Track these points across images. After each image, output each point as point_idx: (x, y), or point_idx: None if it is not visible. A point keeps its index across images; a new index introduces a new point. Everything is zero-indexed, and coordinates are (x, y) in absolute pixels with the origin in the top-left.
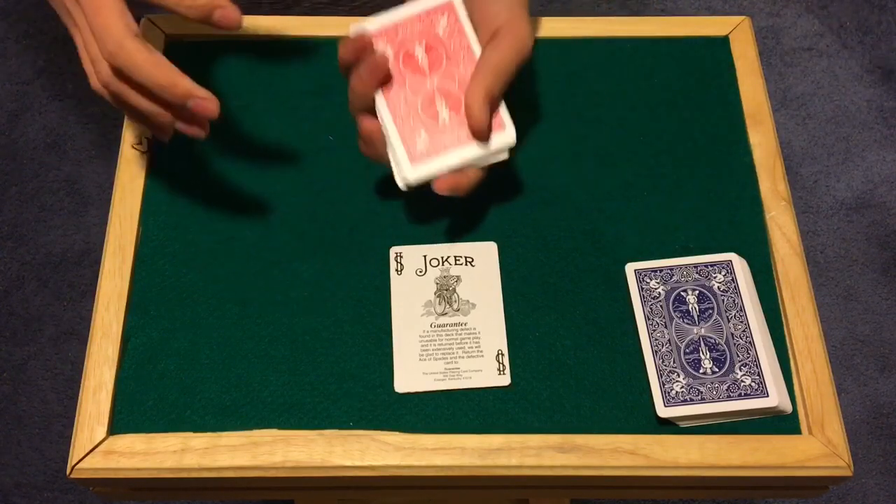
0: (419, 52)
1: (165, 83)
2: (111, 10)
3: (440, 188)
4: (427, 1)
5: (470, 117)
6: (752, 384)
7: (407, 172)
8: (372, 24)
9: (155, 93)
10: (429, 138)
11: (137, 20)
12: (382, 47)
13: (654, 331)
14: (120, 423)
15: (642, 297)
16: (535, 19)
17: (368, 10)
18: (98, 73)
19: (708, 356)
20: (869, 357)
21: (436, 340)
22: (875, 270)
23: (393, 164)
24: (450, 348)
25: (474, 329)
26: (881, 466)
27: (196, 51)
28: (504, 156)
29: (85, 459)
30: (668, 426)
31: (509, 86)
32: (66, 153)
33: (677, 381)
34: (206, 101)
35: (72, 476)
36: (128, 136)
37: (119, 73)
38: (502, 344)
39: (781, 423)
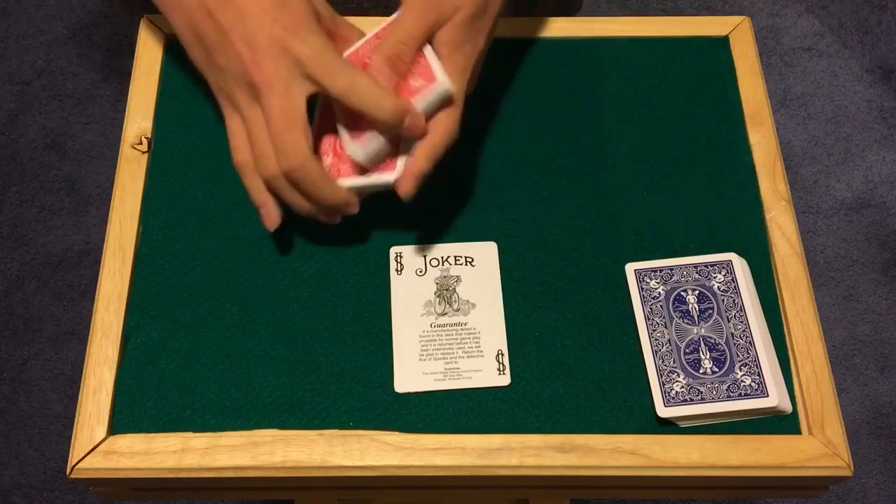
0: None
1: (335, 203)
2: (301, 130)
3: (405, 190)
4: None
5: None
6: (752, 384)
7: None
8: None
9: (316, 200)
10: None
11: (139, 21)
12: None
13: (654, 331)
14: (120, 423)
15: (642, 297)
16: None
17: (368, 10)
18: (264, 167)
19: (708, 356)
20: (869, 357)
21: (436, 340)
22: (875, 270)
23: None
24: (450, 348)
25: (474, 329)
26: (881, 466)
27: None
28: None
29: (85, 459)
30: (668, 426)
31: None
32: (66, 153)
33: (677, 381)
34: (354, 207)
35: (72, 476)
36: (128, 136)
37: (287, 177)
38: (502, 344)
39: (781, 423)
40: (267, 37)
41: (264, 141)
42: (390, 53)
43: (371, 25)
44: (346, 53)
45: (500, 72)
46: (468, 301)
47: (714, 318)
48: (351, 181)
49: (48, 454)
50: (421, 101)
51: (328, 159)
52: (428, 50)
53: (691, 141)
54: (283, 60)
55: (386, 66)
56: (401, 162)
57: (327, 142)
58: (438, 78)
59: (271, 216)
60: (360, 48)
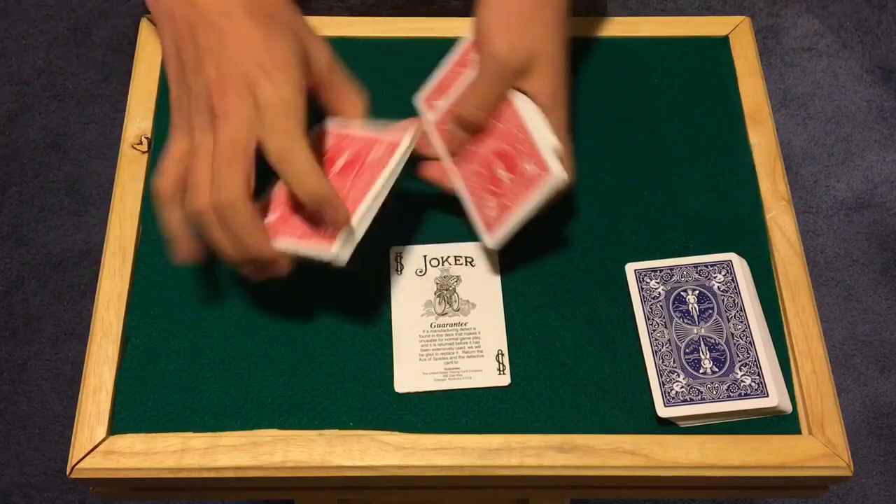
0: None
1: (261, 255)
2: (242, 168)
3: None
4: (456, 52)
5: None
6: (752, 384)
7: (487, 241)
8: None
9: (243, 246)
10: (497, 205)
11: (137, 21)
12: (441, 105)
13: (654, 331)
14: (120, 423)
15: (642, 297)
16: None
17: (377, 11)
18: (195, 197)
19: (708, 356)
20: (869, 357)
21: (436, 340)
22: (875, 270)
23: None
24: (450, 348)
25: (474, 329)
26: (881, 466)
27: None
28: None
29: (85, 459)
30: (668, 426)
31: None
32: (66, 153)
33: (677, 381)
34: (281, 269)
35: (72, 476)
36: (128, 136)
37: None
38: (502, 344)
39: (781, 423)
40: (239, 69)
41: (204, 171)
42: (464, 115)
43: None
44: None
45: None
46: (468, 301)
47: (714, 318)
48: (285, 243)
49: (48, 454)
50: (536, 195)
51: (272, 216)
52: (532, 124)
53: (691, 141)
54: (246, 98)
55: (457, 126)
56: (341, 236)
57: (280, 198)
58: (552, 170)
59: (183, 249)
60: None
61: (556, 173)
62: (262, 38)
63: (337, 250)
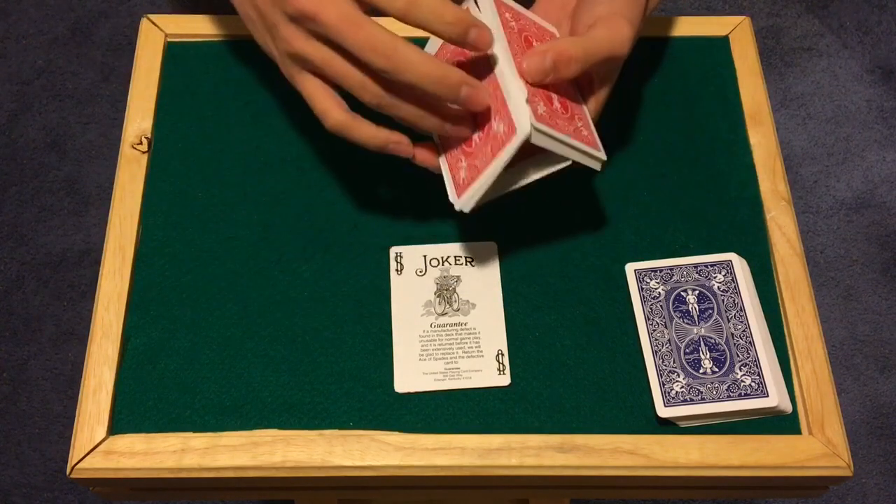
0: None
1: (440, 74)
2: (372, 23)
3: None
4: (538, 17)
5: (528, 59)
6: (752, 384)
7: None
8: None
9: (430, 90)
10: (547, 111)
11: (137, 21)
12: (509, 18)
13: (654, 331)
14: (120, 423)
15: (642, 297)
16: (633, 27)
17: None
18: (368, 95)
19: (708, 356)
20: (869, 357)
21: (436, 340)
22: (875, 270)
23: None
24: (450, 348)
25: (474, 329)
26: (881, 466)
27: (196, 51)
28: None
29: (85, 459)
30: (668, 426)
31: (591, 75)
32: (66, 153)
33: (677, 381)
34: (475, 91)
35: (72, 476)
36: (128, 136)
37: (390, 84)
38: (502, 344)
39: (781, 423)
40: None
41: (349, 70)
42: (568, 54)
43: None
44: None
45: None
46: (468, 301)
47: (714, 318)
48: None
49: (48, 454)
50: (501, 156)
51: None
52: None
53: (691, 141)
54: None
55: (550, 63)
56: (470, 191)
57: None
58: (518, 126)
59: (404, 145)
60: (522, 19)
61: (522, 129)
62: None
63: (461, 202)
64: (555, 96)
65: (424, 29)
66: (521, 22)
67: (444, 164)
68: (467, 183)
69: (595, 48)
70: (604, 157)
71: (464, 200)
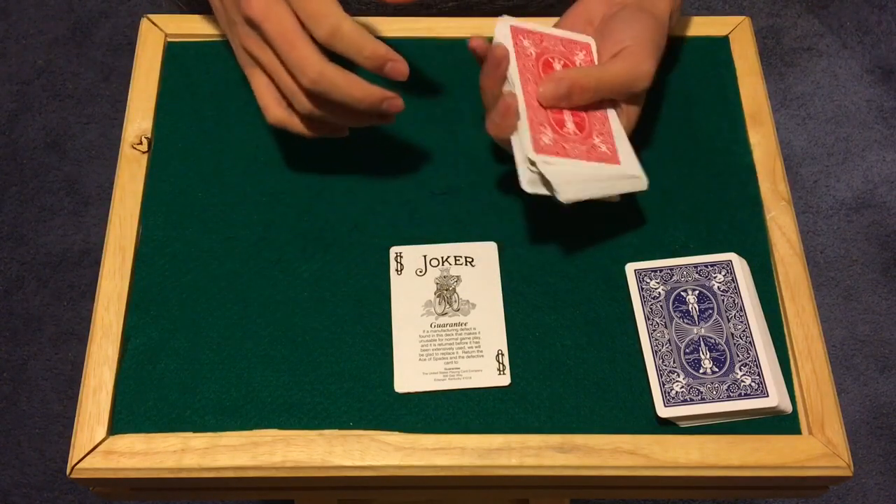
0: (557, 66)
1: (362, 96)
2: (306, 44)
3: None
4: (569, 32)
5: (544, 85)
6: (752, 384)
7: (530, 154)
8: (521, 23)
9: (352, 106)
10: (554, 138)
11: (137, 21)
12: (528, 45)
13: (654, 331)
14: (120, 423)
15: (642, 297)
16: (656, 60)
17: (373, 11)
18: (298, 104)
19: (708, 356)
20: (869, 357)
21: (436, 340)
22: (875, 270)
23: (516, 150)
24: (450, 348)
25: (474, 329)
26: (881, 466)
27: (196, 51)
28: (622, 188)
29: (85, 459)
30: (668, 426)
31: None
32: (66, 153)
33: (677, 381)
34: (396, 101)
35: (72, 476)
36: (128, 136)
37: (317, 98)
38: (502, 344)
39: (781, 423)
40: None
41: (285, 79)
42: (581, 85)
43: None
44: (527, 27)
45: None
46: (468, 301)
47: (714, 318)
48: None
49: (48, 454)
50: (607, 167)
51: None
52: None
53: (691, 141)
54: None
55: (565, 85)
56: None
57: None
58: (630, 169)
59: (340, 131)
60: (545, 41)
61: (638, 175)
62: None
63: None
64: (569, 117)
65: (346, 57)
66: (544, 44)
67: (524, 113)
68: (552, 151)
69: (612, 81)
70: (636, 171)
71: (544, 161)
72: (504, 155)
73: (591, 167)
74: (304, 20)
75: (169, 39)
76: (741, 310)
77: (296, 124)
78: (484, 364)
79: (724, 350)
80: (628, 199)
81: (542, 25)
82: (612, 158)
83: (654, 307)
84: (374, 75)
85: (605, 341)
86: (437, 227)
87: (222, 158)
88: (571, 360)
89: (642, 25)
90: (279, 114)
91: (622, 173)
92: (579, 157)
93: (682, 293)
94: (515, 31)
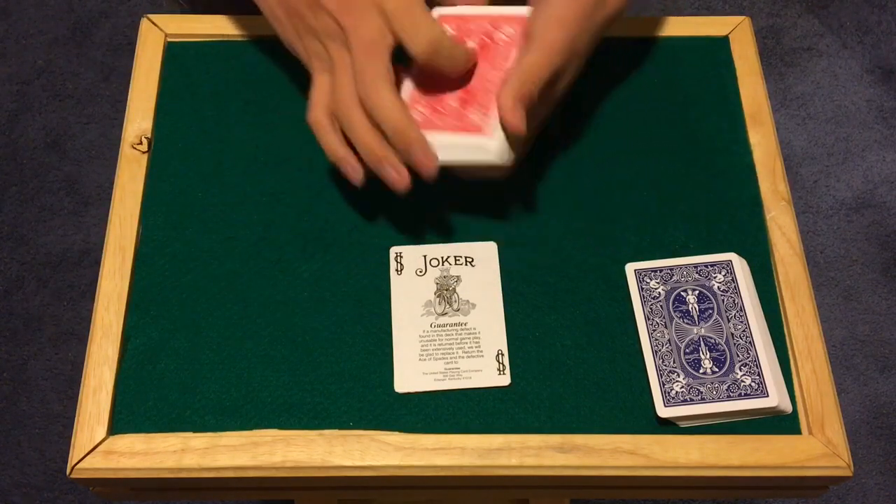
0: (470, 45)
1: (399, 127)
2: (381, 61)
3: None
4: (505, 9)
5: (502, 118)
6: (752, 384)
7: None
8: (449, 10)
9: (387, 134)
10: (425, 114)
11: (137, 21)
12: (448, 30)
13: (654, 331)
14: (120, 423)
15: (642, 297)
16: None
17: None
18: (340, 100)
19: (708, 356)
20: (869, 357)
21: (436, 340)
22: (875, 270)
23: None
24: (450, 348)
25: (474, 329)
26: (881, 466)
27: (196, 51)
28: (472, 156)
29: (85, 459)
30: (668, 426)
31: (547, 88)
32: (66, 153)
33: (677, 381)
34: (427, 160)
35: (72, 476)
36: (128, 136)
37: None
38: (502, 344)
39: (781, 423)
40: None
41: (346, 79)
42: (522, 92)
43: None
44: (440, 13)
45: None
46: (468, 301)
47: (714, 318)
48: (438, 139)
49: (48, 454)
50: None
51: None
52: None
53: (691, 141)
54: (371, 8)
55: (519, 105)
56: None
57: (419, 97)
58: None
59: (354, 168)
60: (470, 22)
61: (485, 146)
62: None
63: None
64: (454, 95)
65: (442, 73)
66: (469, 26)
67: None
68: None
69: (531, 78)
70: (487, 142)
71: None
72: None
73: (448, 136)
74: (401, 32)
75: (169, 39)
76: (741, 310)
77: (326, 134)
78: (484, 364)
79: (724, 350)
80: (628, 199)
81: (477, 8)
82: (477, 129)
83: (654, 307)
84: None
85: (605, 341)
86: (437, 227)
87: (222, 158)
88: (571, 360)
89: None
90: (319, 116)
91: (475, 143)
92: (444, 129)
93: (682, 293)
94: (440, 20)
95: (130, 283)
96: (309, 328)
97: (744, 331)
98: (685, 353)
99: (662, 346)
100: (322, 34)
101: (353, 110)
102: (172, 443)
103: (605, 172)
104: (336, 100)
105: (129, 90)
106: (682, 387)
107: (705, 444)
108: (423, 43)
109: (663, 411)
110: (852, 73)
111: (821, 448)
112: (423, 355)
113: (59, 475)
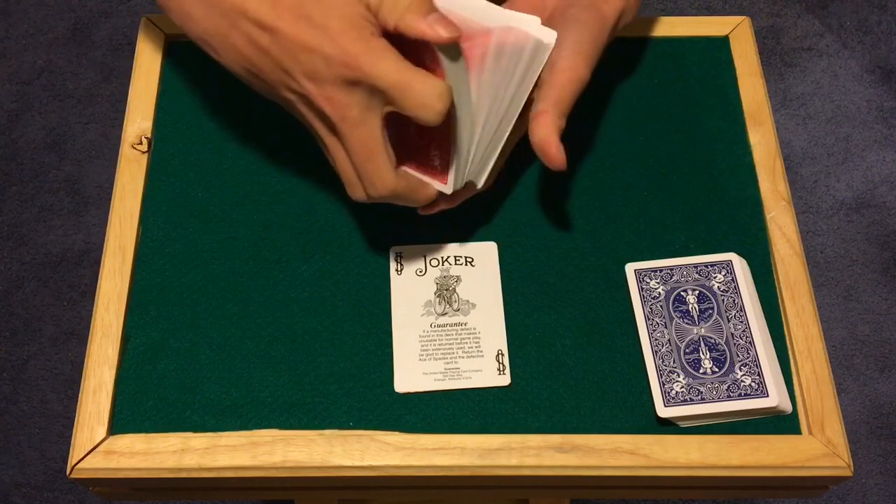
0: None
1: (423, 204)
2: (383, 158)
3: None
4: (511, 13)
5: (548, 158)
6: (752, 384)
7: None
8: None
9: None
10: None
11: (137, 21)
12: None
13: (654, 331)
14: (120, 423)
15: (642, 297)
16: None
17: None
18: (353, 193)
19: (708, 356)
20: (869, 357)
21: (436, 340)
22: (875, 270)
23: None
24: (450, 348)
25: (474, 329)
26: (881, 466)
27: (196, 51)
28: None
29: (85, 459)
30: (668, 426)
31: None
32: (66, 153)
33: (677, 381)
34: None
35: (72, 476)
36: (128, 136)
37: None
38: (502, 344)
39: (781, 423)
40: (329, 70)
41: (348, 170)
42: (561, 127)
43: None
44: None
45: None
46: (468, 301)
47: (714, 318)
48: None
49: (48, 454)
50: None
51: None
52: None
53: (691, 141)
54: (354, 90)
55: (561, 118)
56: (452, 174)
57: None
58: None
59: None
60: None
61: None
62: (315, 30)
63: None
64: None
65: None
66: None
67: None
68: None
69: (565, 111)
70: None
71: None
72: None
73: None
74: (397, 101)
75: (169, 39)
76: (741, 310)
77: (413, 194)
78: (484, 364)
79: (724, 350)
80: (628, 199)
81: (482, 6)
82: (436, 173)
83: (654, 307)
84: None
85: (605, 341)
86: (437, 227)
87: (222, 158)
88: (571, 360)
89: (584, 28)
90: (363, 196)
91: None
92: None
93: (682, 293)
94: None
95: (130, 283)
96: (309, 328)
97: (744, 331)
98: (685, 353)
99: (662, 346)
100: (302, 107)
101: (369, 199)
102: (172, 443)
103: (605, 172)
104: (347, 187)
105: (129, 90)
106: (682, 387)
107: (705, 443)
108: (382, 190)
109: (663, 411)
110: (852, 73)
111: (821, 448)
112: (423, 355)
113: (59, 475)
